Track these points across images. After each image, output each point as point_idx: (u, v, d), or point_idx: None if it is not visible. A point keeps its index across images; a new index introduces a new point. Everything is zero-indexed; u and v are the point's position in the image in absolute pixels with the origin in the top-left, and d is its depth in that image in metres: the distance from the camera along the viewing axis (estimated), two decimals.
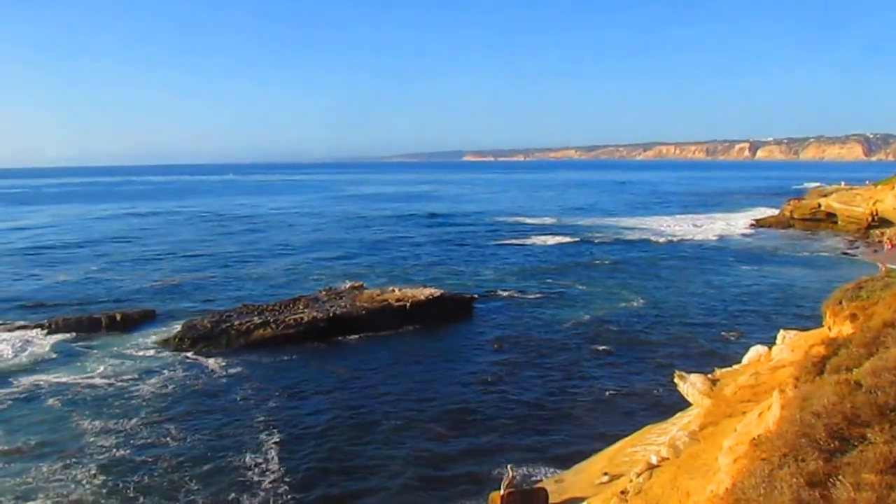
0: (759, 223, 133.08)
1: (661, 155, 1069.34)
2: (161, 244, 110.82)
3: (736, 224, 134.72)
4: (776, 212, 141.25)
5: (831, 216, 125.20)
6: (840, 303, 21.01)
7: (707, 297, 68.24)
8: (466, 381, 44.56)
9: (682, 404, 30.50)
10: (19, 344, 53.05)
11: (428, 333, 56.25)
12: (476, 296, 65.98)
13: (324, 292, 64.94)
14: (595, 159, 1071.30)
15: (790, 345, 26.13)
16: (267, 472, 31.72)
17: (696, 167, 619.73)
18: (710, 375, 27.19)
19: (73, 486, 30.33)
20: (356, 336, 55.12)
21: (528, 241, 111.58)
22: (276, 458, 33.09)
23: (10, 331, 56.00)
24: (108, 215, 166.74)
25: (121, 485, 30.42)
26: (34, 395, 42.19)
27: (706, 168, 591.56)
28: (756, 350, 29.66)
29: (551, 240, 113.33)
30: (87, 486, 30.28)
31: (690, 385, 26.88)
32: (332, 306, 58.83)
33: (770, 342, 29.82)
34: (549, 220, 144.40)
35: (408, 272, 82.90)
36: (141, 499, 29.21)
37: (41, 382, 44.38)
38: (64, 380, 44.90)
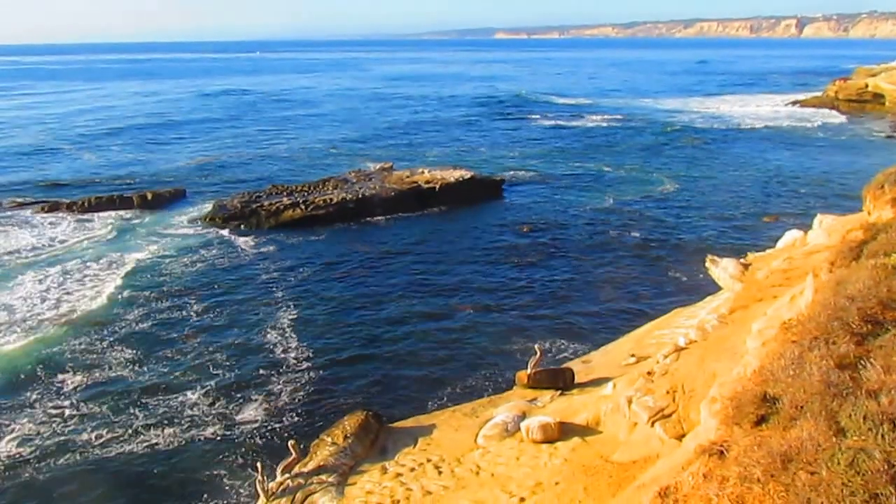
0: (802, 104, 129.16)
1: (702, 32, 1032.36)
2: (189, 123, 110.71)
3: (778, 105, 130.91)
4: (820, 93, 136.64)
5: (879, 97, 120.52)
6: (882, 187, 20.39)
7: (743, 180, 67.10)
8: (495, 262, 44.68)
9: (713, 288, 30.40)
10: (51, 222, 54.00)
11: (457, 215, 56.18)
12: (506, 177, 65.52)
13: (353, 173, 64.81)
14: (633, 37, 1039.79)
15: (827, 229, 25.71)
16: (290, 350, 32.44)
17: (740, 45, 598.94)
18: (742, 260, 26.96)
19: (102, 356, 31.40)
20: (385, 216, 55.26)
21: (562, 123, 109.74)
22: (299, 336, 33.76)
23: (42, 210, 56.79)
24: (134, 94, 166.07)
25: (151, 358, 31.36)
26: (65, 270, 43.06)
27: (750, 46, 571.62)
28: (791, 234, 29.28)
29: (585, 121, 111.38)
30: (118, 358, 31.33)
31: (722, 269, 26.70)
32: (361, 187, 58.77)
33: (806, 227, 29.37)
34: (583, 101, 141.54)
35: (438, 153, 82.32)
36: (174, 374, 30.07)
37: (72, 259, 45.28)
38: (95, 256, 45.78)
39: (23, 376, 29.60)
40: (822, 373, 8.34)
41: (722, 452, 8.15)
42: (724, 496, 7.26)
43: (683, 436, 15.11)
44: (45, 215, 55.55)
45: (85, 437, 25.29)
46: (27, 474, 23.30)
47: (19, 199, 59.75)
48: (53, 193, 62.71)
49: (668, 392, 17.18)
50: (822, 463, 6.77)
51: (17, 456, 24.22)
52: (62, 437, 25.26)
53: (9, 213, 56.31)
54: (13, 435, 25.39)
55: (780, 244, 29.24)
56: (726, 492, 7.28)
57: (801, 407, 7.98)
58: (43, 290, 39.67)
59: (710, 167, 73.75)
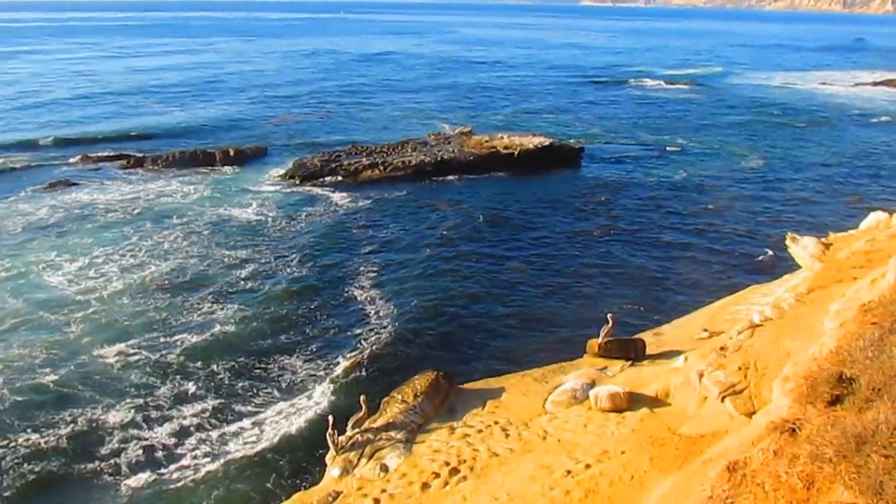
0: (893, 83, 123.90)
1: (793, 5, 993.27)
2: (275, 82, 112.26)
3: (868, 84, 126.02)
4: None
5: None
6: None
7: (830, 159, 65.11)
8: (571, 231, 44.53)
9: (791, 266, 29.75)
10: (138, 176, 55.75)
11: (535, 181, 55.95)
12: (585, 146, 64.72)
13: (432, 136, 65.07)
14: (721, 8, 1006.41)
15: None
16: (365, 306, 33.21)
17: (831, 20, 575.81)
18: (823, 239, 26.29)
19: (210, 316, 32.07)
20: (464, 178, 55.80)
21: (648, 93, 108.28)
22: (376, 294, 34.42)
23: (128, 164, 58.31)
24: (221, 51, 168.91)
25: (255, 317, 31.93)
26: (159, 226, 44.12)
27: (842, 21, 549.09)
28: (875, 216, 28.37)
29: (672, 93, 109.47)
30: (222, 315, 32.02)
31: (802, 247, 26.10)
32: (440, 151, 59.02)
33: (891, 209, 28.43)
34: (668, 72, 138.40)
35: (517, 119, 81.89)
36: (258, 330, 30.96)
37: (162, 212, 46.59)
38: (182, 210, 47.08)
39: (129, 334, 30.23)
40: None
41: (794, 430, 8.16)
42: (794, 474, 7.31)
43: (754, 413, 15.00)
44: (132, 170, 57.04)
45: (165, 390, 26.19)
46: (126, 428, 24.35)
47: (102, 153, 61.42)
48: (135, 146, 64.48)
49: (740, 368, 17.03)
50: None
51: (111, 409, 25.24)
52: (149, 395, 26.29)
53: (92, 166, 58.01)
54: (111, 387, 26.41)
55: (863, 225, 28.36)
56: (796, 469, 7.32)
57: (879, 389, 7.94)
58: (150, 246, 40.22)
59: (796, 144, 71.70)
